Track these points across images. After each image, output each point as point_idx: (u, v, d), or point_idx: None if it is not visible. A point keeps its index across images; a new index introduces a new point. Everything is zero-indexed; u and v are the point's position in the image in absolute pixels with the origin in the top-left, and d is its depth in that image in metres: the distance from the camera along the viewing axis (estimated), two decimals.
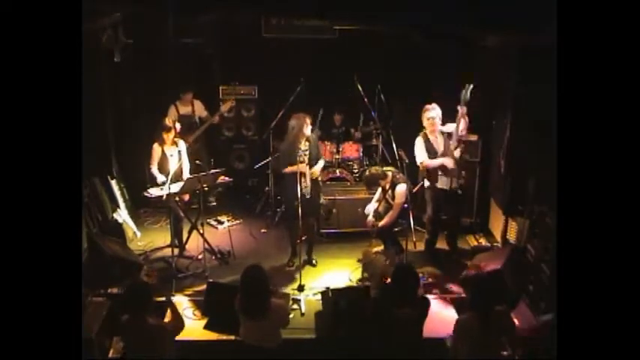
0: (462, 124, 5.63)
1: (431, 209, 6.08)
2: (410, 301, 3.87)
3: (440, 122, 5.79)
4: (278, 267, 6.03)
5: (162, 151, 6.02)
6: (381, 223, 5.82)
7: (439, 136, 5.84)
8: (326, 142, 7.29)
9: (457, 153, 5.77)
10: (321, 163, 5.86)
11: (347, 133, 7.70)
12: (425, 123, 5.80)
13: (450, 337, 4.00)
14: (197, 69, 7.60)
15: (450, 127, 5.74)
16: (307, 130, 5.67)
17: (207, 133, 7.23)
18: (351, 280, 5.76)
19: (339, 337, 4.60)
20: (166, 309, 4.25)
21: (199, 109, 7.31)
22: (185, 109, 7.18)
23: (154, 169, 5.99)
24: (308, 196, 5.66)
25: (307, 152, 5.70)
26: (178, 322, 4.04)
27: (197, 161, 6.35)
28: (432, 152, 5.83)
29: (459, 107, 5.51)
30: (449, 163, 5.74)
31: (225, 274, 5.76)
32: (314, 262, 6.12)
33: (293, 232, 5.92)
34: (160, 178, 5.91)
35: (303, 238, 5.87)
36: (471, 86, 5.41)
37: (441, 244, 6.37)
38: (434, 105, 5.79)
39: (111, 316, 4.65)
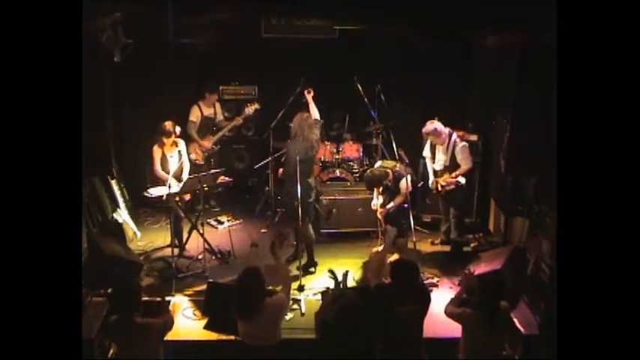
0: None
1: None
2: (410, 295, 3.85)
3: (441, 137, 5.99)
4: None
5: (163, 152, 6.02)
6: (388, 205, 5.92)
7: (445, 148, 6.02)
8: (326, 142, 7.27)
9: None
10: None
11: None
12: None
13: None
14: (197, 69, 7.59)
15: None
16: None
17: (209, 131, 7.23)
18: (353, 280, 5.76)
19: (339, 337, 4.58)
20: (158, 307, 4.25)
21: (220, 112, 7.32)
22: (208, 111, 7.16)
23: (159, 171, 5.99)
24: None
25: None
26: (169, 320, 4.00)
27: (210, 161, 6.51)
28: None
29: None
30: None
31: (225, 274, 5.74)
32: (312, 269, 5.97)
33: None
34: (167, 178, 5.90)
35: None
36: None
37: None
38: (430, 124, 6.00)
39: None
